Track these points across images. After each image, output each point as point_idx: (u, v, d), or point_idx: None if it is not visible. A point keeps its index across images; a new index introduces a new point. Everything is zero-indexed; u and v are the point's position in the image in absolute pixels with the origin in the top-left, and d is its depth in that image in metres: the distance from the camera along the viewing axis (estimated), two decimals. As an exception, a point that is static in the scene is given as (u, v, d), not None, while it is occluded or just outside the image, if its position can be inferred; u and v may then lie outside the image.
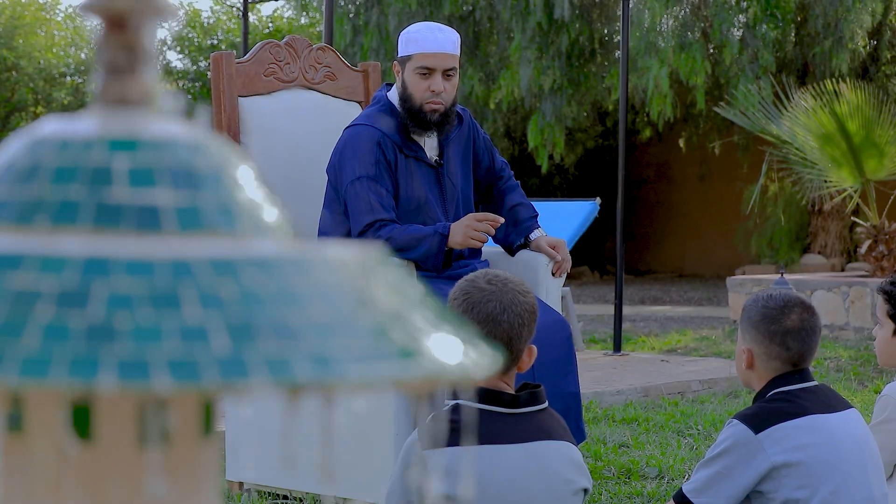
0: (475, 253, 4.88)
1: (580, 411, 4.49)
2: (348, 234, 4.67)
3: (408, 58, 4.68)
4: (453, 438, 2.76)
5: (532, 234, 4.88)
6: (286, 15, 19.86)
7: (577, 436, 4.45)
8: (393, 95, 4.75)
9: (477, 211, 4.94)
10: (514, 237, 4.89)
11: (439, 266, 4.61)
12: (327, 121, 5.04)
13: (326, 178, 4.74)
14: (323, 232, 4.74)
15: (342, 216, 4.67)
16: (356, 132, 4.65)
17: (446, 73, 4.68)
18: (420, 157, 4.72)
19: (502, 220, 4.67)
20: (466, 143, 4.89)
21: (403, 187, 4.69)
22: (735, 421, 3.16)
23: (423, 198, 4.71)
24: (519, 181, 5.12)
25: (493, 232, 4.66)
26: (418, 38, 4.69)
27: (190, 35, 18.93)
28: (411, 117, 4.67)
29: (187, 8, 19.49)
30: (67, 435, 0.87)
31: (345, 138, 4.67)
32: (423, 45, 4.67)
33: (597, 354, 8.81)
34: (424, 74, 4.65)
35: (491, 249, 5.14)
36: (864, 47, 14.45)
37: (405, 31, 4.79)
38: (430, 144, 4.77)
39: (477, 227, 4.56)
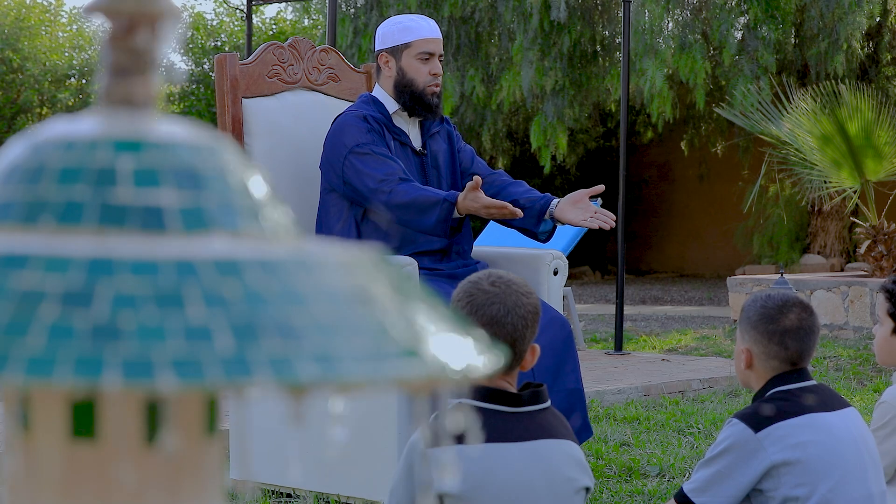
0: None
1: (585, 407, 4.47)
2: (347, 226, 4.68)
3: (406, 45, 4.78)
4: (456, 437, 2.77)
5: (550, 208, 4.74)
6: (288, 17, 19.85)
7: (584, 432, 4.44)
8: (377, 90, 4.85)
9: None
10: (542, 226, 4.78)
11: (447, 232, 4.58)
12: (330, 122, 5.05)
13: (328, 178, 4.78)
14: (322, 225, 4.75)
15: (337, 208, 4.70)
16: (341, 119, 4.76)
17: (439, 58, 4.83)
18: (405, 141, 4.79)
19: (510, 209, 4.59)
20: (449, 148, 4.93)
21: None
22: (735, 420, 3.16)
23: None
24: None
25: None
26: (413, 25, 4.81)
27: (194, 37, 18.92)
28: (414, 101, 4.78)
29: (191, 10, 19.47)
30: (71, 434, 0.88)
31: (332, 129, 4.76)
32: (421, 31, 4.80)
33: (598, 354, 8.81)
34: (426, 59, 4.78)
35: (492, 250, 5.14)
36: (862, 49, 14.44)
37: (391, 22, 4.87)
38: (413, 134, 4.84)
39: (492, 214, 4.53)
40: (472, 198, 4.49)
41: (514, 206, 4.62)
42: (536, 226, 4.75)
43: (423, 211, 4.53)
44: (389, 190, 4.56)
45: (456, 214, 4.55)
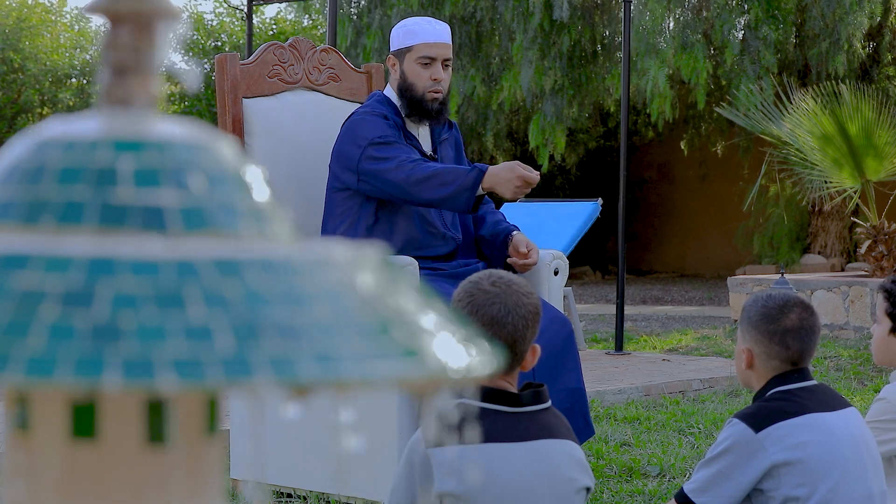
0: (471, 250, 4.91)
1: (586, 407, 4.47)
2: (353, 226, 4.68)
3: (408, 49, 4.79)
4: (456, 437, 2.77)
5: (510, 237, 4.84)
6: (289, 17, 19.86)
7: (586, 431, 4.44)
8: (388, 91, 4.84)
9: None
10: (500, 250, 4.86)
11: (471, 206, 4.60)
12: (331, 122, 5.05)
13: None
14: (327, 225, 4.75)
15: (343, 208, 4.70)
16: (359, 116, 4.74)
17: (444, 63, 4.81)
18: (416, 146, 4.79)
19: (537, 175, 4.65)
20: (456, 157, 4.95)
21: None
22: (735, 420, 3.16)
23: None
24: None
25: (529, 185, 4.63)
26: (417, 29, 4.81)
27: (194, 37, 18.92)
28: (412, 106, 4.78)
29: (191, 10, 19.48)
30: (72, 434, 0.88)
31: (347, 125, 4.74)
32: (424, 35, 4.79)
33: (598, 354, 8.81)
34: (426, 64, 4.77)
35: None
36: (863, 49, 14.45)
37: (400, 25, 4.89)
38: (423, 137, 4.85)
39: (520, 184, 4.58)
40: (510, 167, 4.53)
41: (477, 239, 4.88)
42: (503, 259, 4.83)
43: (448, 182, 4.54)
44: (412, 166, 4.57)
45: (479, 192, 4.57)
